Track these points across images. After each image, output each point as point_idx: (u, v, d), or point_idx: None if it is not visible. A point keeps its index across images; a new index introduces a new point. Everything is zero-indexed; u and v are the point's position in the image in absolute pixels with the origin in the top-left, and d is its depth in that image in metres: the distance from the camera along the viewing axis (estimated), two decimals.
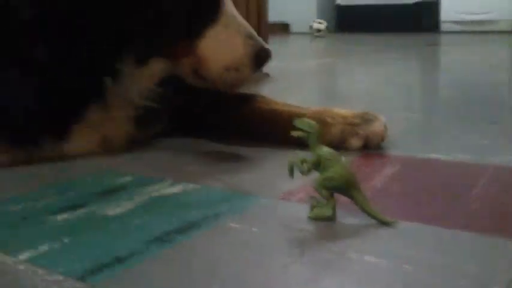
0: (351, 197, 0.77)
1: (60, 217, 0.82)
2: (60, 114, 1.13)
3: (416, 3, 6.53)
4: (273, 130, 1.20)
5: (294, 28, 7.52)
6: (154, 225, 0.78)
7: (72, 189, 0.96)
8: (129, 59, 1.12)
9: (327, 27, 6.25)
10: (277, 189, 0.91)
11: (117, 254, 0.69)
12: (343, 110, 1.18)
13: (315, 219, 0.78)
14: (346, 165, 0.77)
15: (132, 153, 1.19)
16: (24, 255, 0.69)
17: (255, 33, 1.15)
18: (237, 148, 1.21)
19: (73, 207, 0.86)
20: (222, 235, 0.74)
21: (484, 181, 0.92)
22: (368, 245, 0.69)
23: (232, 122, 1.29)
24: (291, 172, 0.79)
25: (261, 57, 1.14)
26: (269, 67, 2.65)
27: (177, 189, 0.94)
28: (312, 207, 0.79)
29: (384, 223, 0.75)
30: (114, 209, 0.85)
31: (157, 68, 1.16)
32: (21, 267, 0.66)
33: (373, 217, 0.76)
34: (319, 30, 6.21)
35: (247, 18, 2.43)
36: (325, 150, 0.77)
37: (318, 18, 6.85)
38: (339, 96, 2.10)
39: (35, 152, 1.13)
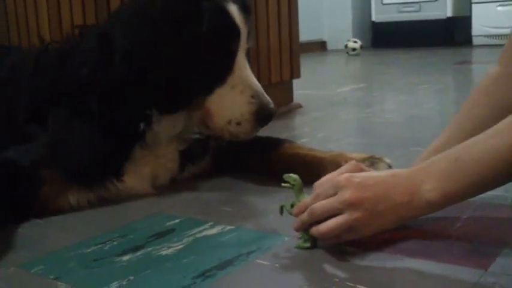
0: None
1: (125, 258, 1.04)
2: (114, 155, 1.37)
3: (449, 18, 6.66)
4: (297, 172, 1.41)
5: (330, 45, 7.69)
6: (199, 263, 0.99)
7: (132, 232, 1.17)
8: (159, 109, 1.35)
9: (362, 46, 6.41)
10: None
11: None
12: (354, 154, 1.38)
13: (297, 248, 1.02)
14: None
15: (178, 195, 1.41)
16: None
17: (261, 93, 1.35)
18: (266, 189, 1.41)
19: (134, 249, 1.08)
20: (251, 271, 0.95)
21: (466, 217, 1.11)
22: (361, 275, 0.90)
23: (261, 164, 1.50)
24: (281, 211, 1.07)
25: (262, 114, 1.34)
26: (301, 96, 2.87)
27: (216, 230, 1.15)
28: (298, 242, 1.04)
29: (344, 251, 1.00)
30: (166, 249, 1.07)
31: (179, 117, 1.39)
32: None
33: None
34: (354, 49, 6.37)
35: (279, 38, 2.64)
36: (306, 197, 1.04)
37: (353, 35, 7.03)
38: (364, 128, 2.29)
39: (100, 192, 1.36)
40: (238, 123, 1.34)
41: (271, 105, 1.35)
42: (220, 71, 1.34)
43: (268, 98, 1.35)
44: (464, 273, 0.88)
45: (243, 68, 1.36)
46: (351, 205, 0.95)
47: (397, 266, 0.93)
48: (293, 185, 1.06)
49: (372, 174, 1.02)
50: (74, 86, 1.35)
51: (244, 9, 1.36)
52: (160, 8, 1.31)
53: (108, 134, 1.35)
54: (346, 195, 0.95)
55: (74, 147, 1.35)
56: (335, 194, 0.98)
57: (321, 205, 0.98)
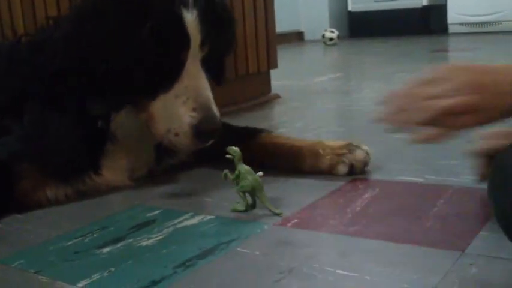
0: (256, 197, 1.16)
1: (105, 250, 1.04)
2: (88, 149, 1.37)
3: (424, 7, 6.70)
4: (275, 161, 1.42)
5: (307, 36, 7.71)
6: (179, 253, 1.00)
7: (112, 224, 1.18)
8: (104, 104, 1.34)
9: (339, 36, 6.43)
10: (277, 216, 1.13)
11: (152, 278, 0.90)
12: (331, 142, 1.40)
13: (233, 211, 1.18)
14: (255, 177, 1.15)
15: (157, 187, 1.41)
16: (81, 284, 0.91)
17: (206, 107, 1.27)
18: None
19: (114, 240, 1.08)
20: (231, 259, 0.96)
21: (443, 201, 1.13)
22: (340, 260, 0.91)
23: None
24: (225, 178, 1.19)
25: (201, 129, 1.26)
26: (279, 86, 2.88)
27: (196, 220, 1.16)
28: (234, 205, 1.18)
29: (275, 214, 1.14)
30: (147, 240, 1.07)
31: (133, 116, 1.37)
32: None
33: (269, 210, 1.15)
34: (331, 39, 6.39)
35: (255, 28, 2.64)
36: (243, 167, 1.16)
37: (330, 25, 7.05)
38: (342, 117, 2.31)
39: (78, 186, 1.36)
40: (177, 134, 1.28)
41: (215, 121, 1.28)
42: (165, 78, 1.29)
43: (214, 113, 1.29)
44: (442, 256, 0.90)
45: (193, 78, 1.29)
46: (471, 88, 0.93)
47: (374, 251, 0.94)
48: (234, 156, 1.17)
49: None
50: (45, 77, 1.34)
51: (205, 16, 1.30)
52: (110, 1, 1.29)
53: (79, 127, 1.34)
54: (465, 78, 0.94)
55: (48, 141, 1.34)
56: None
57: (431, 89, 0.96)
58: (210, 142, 1.31)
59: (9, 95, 1.41)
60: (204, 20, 1.30)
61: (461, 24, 6.33)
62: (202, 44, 1.30)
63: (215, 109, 1.29)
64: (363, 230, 1.02)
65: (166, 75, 1.29)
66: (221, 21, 1.38)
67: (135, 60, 1.26)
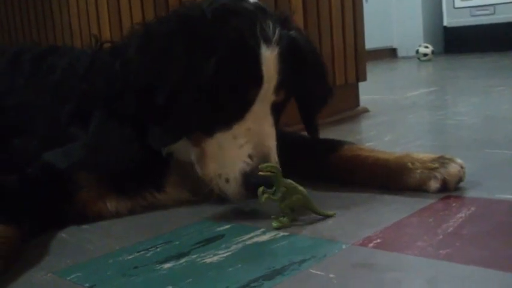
0: (308, 208, 1.13)
1: (166, 266, 0.96)
2: (154, 166, 1.29)
3: None
4: (358, 176, 1.30)
5: (401, 52, 7.53)
6: (245, 272, 0.90)
7: (178, 238, 1.09)
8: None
9: (433, 51, 6.21)
10: (358, 235, 1.01)
11: None
12: (421, 155, 1.25)
13: (278, 227, 1.10)
14: (302, 191, 1.12)
15: (229, 203, 1.28)
16: None
17: (263, 156, 1.15)
18: (324, 194, 1.30)
19: (177, 256, 1.00)
20: (302, 281, 0.85)
21: None
22: None
23: (320, 169, 1.38)
24: (263, 199, 1.11)
25: (253, 180, 1.13)
26: (369, 100, 2.75)
27: (268, 237, 1.06)
28: (275, 220, 1.11)
29: (328, 216, 1.13)
30: (212, 257, 0.98)
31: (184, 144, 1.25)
32: None
33: (322, 215, 1.13)
34: (425, 55, 6.19)
35: (343, 39, 2.53)
36: (290, 182, 1.12)
37: (425, 41, 6.83)
38: (435, 131, 2.16)
39: (140, 201, 1.29)
40: (227, 180, 1.17)
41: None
42: (226, 115, 1.18)
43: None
44: None
45: (258, 123, 1.18)
46: None
47: (469, 278, 0.80)
48: (274, 172, 1.10)
49: None
50: (114, 87, 1.28)
51: (285, 55, 1.19)
52: (180, 29, 1.20)
53: (140, 146, 1.27)
54: None
55: (108, 153, 1.28)
56: None
57: None
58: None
59: (82, 102, 1.36)
60: (287, 60, 1.19)
61: None
62: (279, 87, 1.19)
63: (274, 160, 1.17)
64: (456, 253, 0.89)
65: (228, 113, 1.18)
66: (309, 66, 1.29)
67: (196, 93, 1.16)
